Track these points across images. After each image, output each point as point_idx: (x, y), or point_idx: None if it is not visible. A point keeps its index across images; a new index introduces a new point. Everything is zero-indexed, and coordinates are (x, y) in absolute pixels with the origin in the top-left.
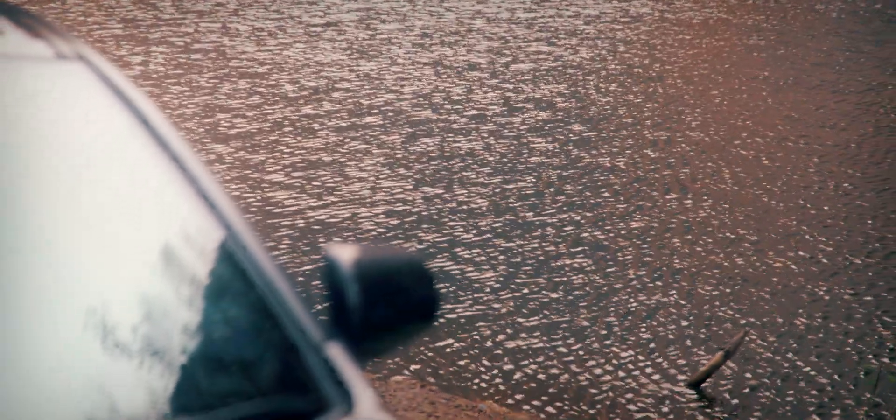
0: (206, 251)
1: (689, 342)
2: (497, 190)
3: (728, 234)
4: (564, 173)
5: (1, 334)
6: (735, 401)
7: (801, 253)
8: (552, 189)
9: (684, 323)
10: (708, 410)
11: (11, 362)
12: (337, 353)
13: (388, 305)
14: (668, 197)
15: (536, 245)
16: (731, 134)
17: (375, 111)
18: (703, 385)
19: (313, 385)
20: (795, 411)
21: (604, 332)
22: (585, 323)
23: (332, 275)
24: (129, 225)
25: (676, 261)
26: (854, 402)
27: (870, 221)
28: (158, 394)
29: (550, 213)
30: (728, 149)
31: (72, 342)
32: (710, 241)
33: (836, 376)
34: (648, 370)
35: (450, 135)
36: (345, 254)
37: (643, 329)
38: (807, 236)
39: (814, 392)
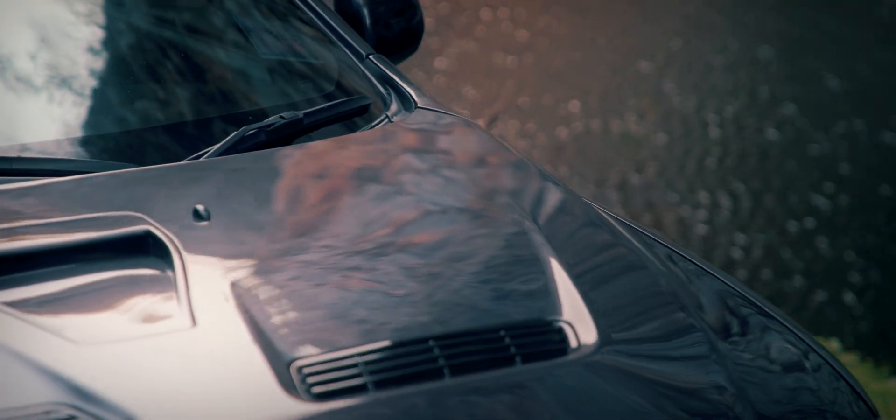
0: None
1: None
2: None
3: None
4: None
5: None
6: None
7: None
8: None
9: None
10: None
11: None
12: (382, 62)
13: (390, 28)
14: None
15: None
16: None
17: None
18: None
19: (375, 88)
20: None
21: None
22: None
23: (346, 1)
24: None
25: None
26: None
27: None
28: (239, 101)
29: None
30: None
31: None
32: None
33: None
34: None
35: None
36: None
37: None
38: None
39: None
